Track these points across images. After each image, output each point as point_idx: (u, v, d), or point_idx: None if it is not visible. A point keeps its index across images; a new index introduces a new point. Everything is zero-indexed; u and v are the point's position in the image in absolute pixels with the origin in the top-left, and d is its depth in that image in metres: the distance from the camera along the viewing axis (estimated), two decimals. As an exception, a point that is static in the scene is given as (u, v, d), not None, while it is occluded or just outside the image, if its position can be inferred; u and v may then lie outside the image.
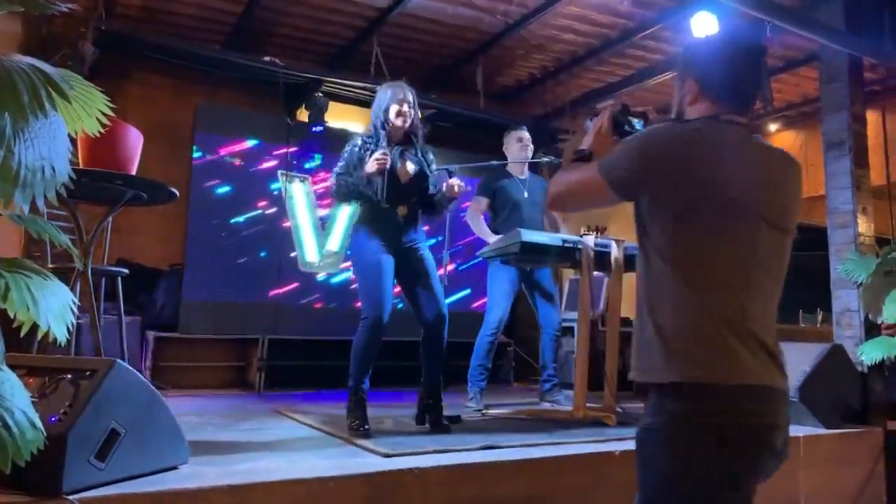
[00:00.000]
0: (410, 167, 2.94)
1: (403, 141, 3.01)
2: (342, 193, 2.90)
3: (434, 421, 2.90)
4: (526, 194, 4.08)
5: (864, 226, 4.05)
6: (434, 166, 3.06)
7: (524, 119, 6.48)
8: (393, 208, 2.88)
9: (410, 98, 2.96)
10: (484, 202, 4.05)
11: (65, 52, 4.41)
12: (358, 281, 2.94)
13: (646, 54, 5.71)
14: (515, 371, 5.84)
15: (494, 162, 4.22)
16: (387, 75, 5.40)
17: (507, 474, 2.31)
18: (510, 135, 4.22)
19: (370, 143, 2.90)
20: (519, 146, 4.14)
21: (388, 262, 2.85)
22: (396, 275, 2.91)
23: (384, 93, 2.99)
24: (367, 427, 2.70)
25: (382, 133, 2.92)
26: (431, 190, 3.01)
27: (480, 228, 3.98)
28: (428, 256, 2.99)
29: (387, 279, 2.82)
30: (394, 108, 2.92)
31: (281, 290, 5.02)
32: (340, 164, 2.93)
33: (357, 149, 2.89)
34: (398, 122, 2.94)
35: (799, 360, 3.57)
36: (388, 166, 2.78)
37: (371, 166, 2.75)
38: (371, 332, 2.78)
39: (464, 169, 3.55)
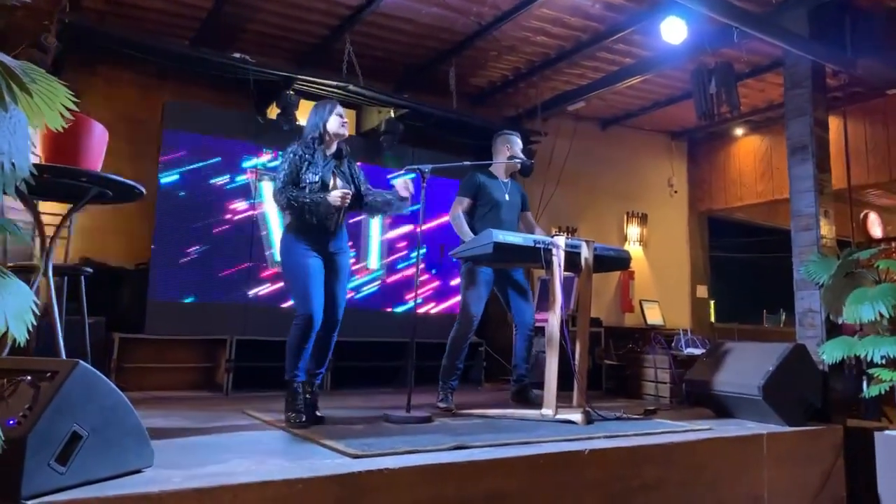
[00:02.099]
0: (339, 192, 3.04)
1: (335, 155, 3.21)
2: (292, 207, 3.01)
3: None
4: (507, 196, 4.10)
5: (826, 228, 4.15)
6: (361, 175, 3.32)
7: (496, 120, 6.52)
8: (333, 223, 3.11)
9: (344, 111, 3.24)
10: (466, 202, 4.06)
11: (26, 45, 4.29)
12: (288, 282, 3.09)
13: (616, 57, 5.78)
14: (486, 371, 5.86)
15: (467, 162, 4.23)
16: (359, 74, 5.38)
17: (478, 474, 2.32)
18: (504, 140, 4.21)
19: (307, 155, 3.07)
20: (504, 152, 4.17)
21: (317, 263, 3.04)
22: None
23: (321, 108, 3.21)
24: (304, 419, 2.89)
25: (319, 148, 3.13)
26: (366, 192, 3.28)
27: (461, 228, 3.98)
28: (346, 264, 3.22)
29: (316, 279, 3.01)
30: (335, 120, 3.16)
31: (249, 291, 4.96)
32: (282, 175, 3.03)
33: (298, 158, 3.05)
34: (342, 131, 3.18)
35: (762, 359, 3.66)
36: (347, 204, 3.03)
37: (336, 200, 2.98)
38: (304, 330, 2.95)
39: (436, 169, 3.54)
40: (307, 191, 2.99)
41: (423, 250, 5.13)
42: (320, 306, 2.99)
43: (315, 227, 3.05)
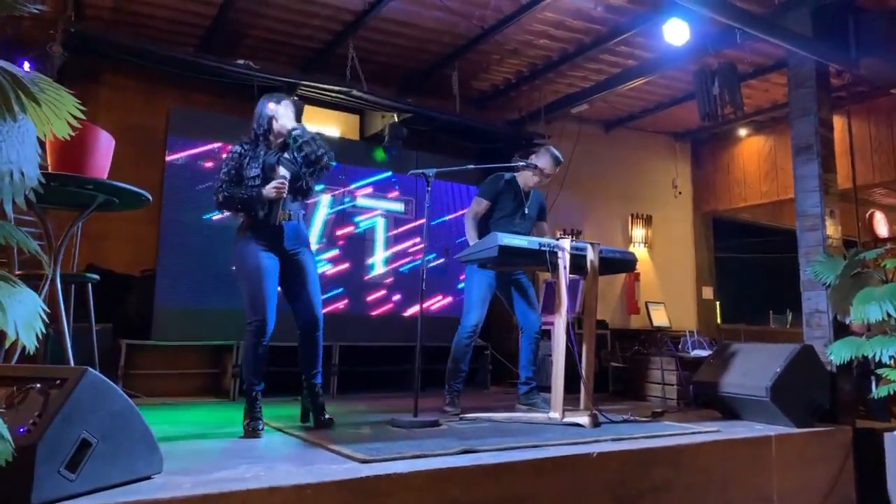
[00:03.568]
0: (274, 182, 2.93)
1: (281, 146, 3.08)
2: (228, 204, 2.94)
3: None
4: (525, 209, 4.09)
5: (832, 228, 4.14)
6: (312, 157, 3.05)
7: (499, 123, 6.53)
8: (275, 216, 2.97)
9: (290, 103, 3.10)
10: (484, 204, 4.05)
11: (32, 54, 4.32)
12: (240, 285, 2.97)
13: (619, 60, 5.78)
14: (492, 374, 5.86)
15: (471, 166, 4.23)
16: (362, 79, 5.40)
17: (486, 478, 2.31)
18: (548, 159, 4.06)
19: (249, 151, 2.99)
20: (538, 176, 4.06)
21: (271, 265, 2.94)
22: (280, 279, 3.01)
23: (266, 102, 3.09)
24: (260, 427, 2.84)
25: (262, 141, 3.03)
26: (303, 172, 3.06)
27: (469, 231, 3.97)
28: (309, 261, 3.09)
29: (269, 284, 2.91)
30: (281, 111, 3.03)
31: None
32: (222, 173, 2.96)
33: (238, 155, 2.97)
34: (287, 124, 3.02)
35: (770, 360, 3.64)
36: (284, 194, 2.92)
37: (270, 192, 2.88)
38: (256, 337, 2.87)
39: (440, 173, 3.54)
40: (248, 184, 2.90)
41: (432, 257, 5.14)
42: (272, 311, 2.88)
43: (267, 226, 2.94)
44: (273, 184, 2.90)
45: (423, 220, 3.52)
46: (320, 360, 3.13)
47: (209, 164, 4.92)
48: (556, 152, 4.14)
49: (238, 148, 3.01)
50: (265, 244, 2.95)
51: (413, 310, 5.58)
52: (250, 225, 2.96)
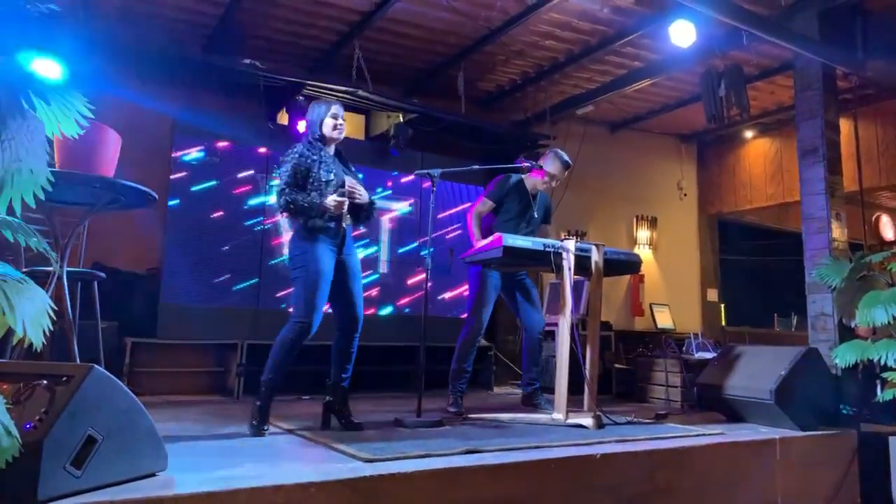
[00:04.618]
0: (334, 198, 2.94)
1: (336, 155, 3.13)
2: (292, 211, 2.91)
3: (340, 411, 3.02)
4: (533, 211, 4.09)
5: (838, 231, 4.13)
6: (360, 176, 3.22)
7: (504, 124, 6.53)
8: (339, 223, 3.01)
9: (342, 113, 3.12)
10: (489, 205, 4.04)
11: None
12: (298, 284, 2.95)
13: (625, 61, 5.78)
14: (496, 375, 5.85)
15: (476, 167, 4.23)
16: (368, 79, 5.41)
17: (490, 478, 2.32)
18: (556, 162, 4.05)
19: (314, 153, 2.99)
20: (546, 181, 4.06)
21: (330, 272, 2.95)
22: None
23: (318, 108, 3.10)
24: (266, 428, 2.81)
25: (324, 147, 3.04)
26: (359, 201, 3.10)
27: (474, 229, 3.96)
28: (357, 263, 3.14)
29: (326, 290, 2.93)
30: (329, 123, 3.05)
31: (260, 295, 4.98)
32: (285, 174, 2.94)
33: (303, 158, 2.96)
34: (335, 135, 3.07)
35: (774, 363, 3.63)
36: (344, 210, 2.94)
37: (331, 204, 2.88)
38: (300, 337, 2.87)
39: (445, 174, 3.54)
40: (322, 188, 2.92)
41: (431, 256, 5.13)
42: (319, 318, 2.89)
43: (332, 230, 2.96)
44: (335, 198, 2.90)
45: (427, 221, 3.52)
46: (353, 361, 3.11)
47: (214, 164, 4.94)
48: (565, 156, 4.11)
49: (301, 149, 2.99)
50: (329, 247, 2.96)
51: (416, 310, 5.58)
52: (319, 227, 2.94)
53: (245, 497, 1.85)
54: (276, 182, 2.99)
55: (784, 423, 3.46)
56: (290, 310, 3.02)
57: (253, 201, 5.06)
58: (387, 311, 5.57)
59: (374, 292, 5.53)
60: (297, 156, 2.96)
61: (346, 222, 3.04)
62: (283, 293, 5.05)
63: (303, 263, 2.93)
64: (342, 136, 3.12)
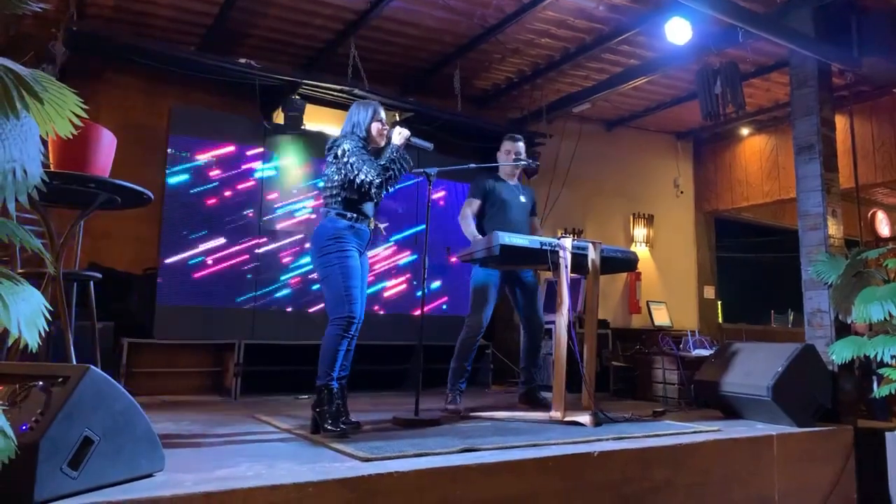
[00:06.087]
0: (398, 129, 3.13)
1: (374, 153, 3.19)
2: (391, 173, 3.02)
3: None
4: (519, 198, 4.15)
5: (834, 228, 4.13)
6: None
7: (501, 122, 6.52)
8: (368, 220, 3.12)
9: (385, 118, 3.24)
10: (476, 204, 4.09)
11: (34, 52, 4.32)
12: (334, 281, 2.94)
13: (621, 59, 5.78)
14: (494, 373, 5.86)
15: (472, 165, 4.23)
16: (364, 78, 5.40)
17: (487, 476, 2.32)
18: (508, 143, 4.27)
19: (364, 147, 3.08)
20: (506, 156, 4.23)
21: (357, 264, 3.03)
22: None
23: (364, 110, 3.18)
24: (342, 429, 2.76)
25: (364, 144, 3.11)
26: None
27: (469, 230, 3.99)
28: (367, 265, 3.23)
29: (357, 280, 2.99)
30: (375, 127, 3.16)
31: (257, 295, 4.98)
32: (358, 160, 2.97)
33: (360, 149, 3.03)
34: (379, 140, 3.17)
35: (771, 360, 3.64)
36: (409, 135, 3.13)
37: (400, 139, 3.07)
38: (346, 331, 2.89)
39: (442, 172, 3.54)
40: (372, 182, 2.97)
41: (429, 255, 5.13)
42: (362, 307, 2.99)
43: (359, 228, 3.04)
44: (400, 129, 3.09)
45: (423, 219, 3.53)
46: (351, 360, 3.11)
47: (210, 163, 4.93)
48: (510, 135, 4.32)
49: (356, 142, 3.06)
50: (356, 243, 3.03)
51: (414, 308, 5.58)
52: (349, 226, 3.00)
53: (242, 497, 1.84)
54: (359, 174, 2.97)
55: (781, 419, 3.47)
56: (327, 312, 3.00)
57: (249, 201, 5.05)
58: (384, 309, 5.56)
59: (371, 292, 5.52)
60: (353, 143, 3.02)
61: (372, 224, 3.13)
62: (280, 293, 5.04)
63: (338, 260, 2.95)
64: (384, 142, 3.21)
